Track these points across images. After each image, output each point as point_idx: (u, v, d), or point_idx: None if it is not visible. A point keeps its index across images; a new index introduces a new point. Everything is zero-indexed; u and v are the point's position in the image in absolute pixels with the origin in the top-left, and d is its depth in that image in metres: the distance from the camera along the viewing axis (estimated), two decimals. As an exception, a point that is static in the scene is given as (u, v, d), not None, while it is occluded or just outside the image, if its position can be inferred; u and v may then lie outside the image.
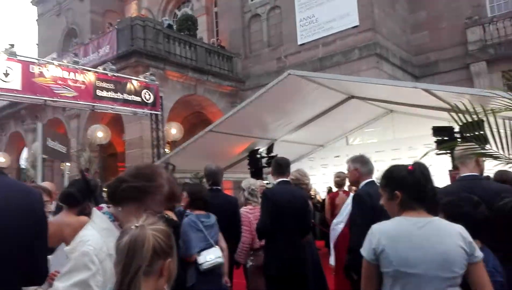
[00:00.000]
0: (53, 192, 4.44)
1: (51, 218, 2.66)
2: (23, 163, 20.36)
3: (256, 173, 10.67)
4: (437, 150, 8.42)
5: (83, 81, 10.02)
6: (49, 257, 2.41)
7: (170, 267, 1.20)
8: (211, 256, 3.47)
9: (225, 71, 16.18)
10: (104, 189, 11.04)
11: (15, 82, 8.72)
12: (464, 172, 2.90)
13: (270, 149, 10.66)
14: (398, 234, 1.87)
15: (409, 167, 1.98)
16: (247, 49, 17.15)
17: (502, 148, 2.45)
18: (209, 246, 3.53)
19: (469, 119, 2.62)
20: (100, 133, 12.87)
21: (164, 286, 1.20)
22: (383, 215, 3.19)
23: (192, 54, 15.04)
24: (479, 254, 1.82)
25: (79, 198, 3.06)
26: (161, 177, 1.64)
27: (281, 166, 4.03)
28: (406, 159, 10.65)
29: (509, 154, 2.44)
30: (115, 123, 14.72)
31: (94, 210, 1.66)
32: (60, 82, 9.53)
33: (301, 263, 3.77)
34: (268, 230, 3.78)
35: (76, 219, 2.99)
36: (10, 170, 18.75)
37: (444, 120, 9.54)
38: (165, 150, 12.81)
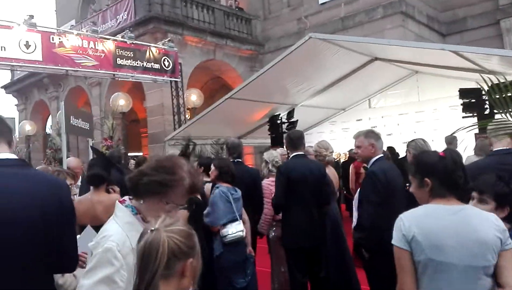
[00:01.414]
0: (79, 167, 4.58)
1: (76, 198, 2.72)
2: (49, 130, 20.90)
3: (276, 139, 10.64)
4: (463, 114, 8.19)
5: (102, 50, 10.01)
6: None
7: (193, 266, 1.19)
8: (233, 230, 3.57)
9: (244, 34, 15.83)
10: (129, 157, 11.22)
11: (36, 53, 8.79)
12: (497, 146, 2.80)
13: (290, 114, 10.56)
14: (430, 221, 1.80)
15: (440, 153, 1.90)
16: (266, 11, 16.64)
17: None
18: (234, 219, 3.62)
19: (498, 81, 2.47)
20: (121, 101, 12.98)
21: (188, 286, 1.20)
22: (397, 194, 3.18)
23: (210, 17, 14.73)
24: (511, 241, 1.77)
25: (105, 176, 3.12)
26: (182, 169, 1.62)
27: (293, 140, 4.00)
28: (431, 121, 10.40)
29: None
30: (136, 90, 14.80)
31: (117, 204, 1.67)
32: (80, 51, 9.55)
33: (317, 236, 3.81)
34: (283, 205, 3.80)
35: (108, 197, 3.07)
36: (37, 137, 19.28)
37: (471, 80, 9.17)
38: (186, 116, 12.86)
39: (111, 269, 1.46)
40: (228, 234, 3.56)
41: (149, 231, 1.14)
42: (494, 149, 2.83)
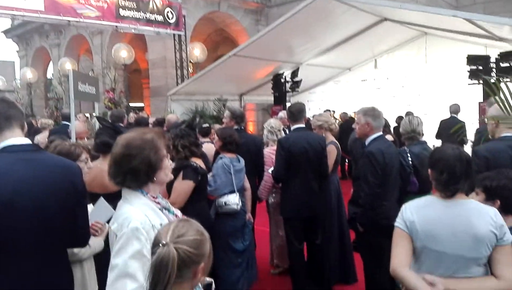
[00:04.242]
0: (85, 132, 4.64)
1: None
2: (50, 76, 20.68)
3: (279, 98, 10.61)
4: (469, 81, 8.11)
5: (105, 0, 9.72)
6: (89, 207, 2.60)
7: (205, 267, 1.26)
8: (228, 202, 3.67)
9: (251, -15, 15.27)
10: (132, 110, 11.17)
11: (38, 2, 8.55)
12: (503, 131, 2.82)
13: (295, 73, 10.45)
14: (429, 212, 1.93)
15: (450, 150, 1.96)
16: (273, -40, 15.93)
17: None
18: (232, 191, 3.72)
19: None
20: (124, 53, 12.77)
21: (200, 281, 1.30)
22: (393, 174, 3.25)
23: (216, -35, 14.15)
24: (508, 237, 1.85)
25: (113, 143, 3.16)
26: (145, 149, 1.68)
27: (293, 113, 4.00)
28: (437, 84, 10.30)
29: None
30: (138, 40, 14.51)
31: (126, 189, 1.72)
32: (82, 1, 9.29)
33: (314, 207, 3.92)
34: (283, 178, 3.90)
35: None
36: (39, 84, 19.12)
37: (481, 45, 9.03)
38: (189, 70, 12.72)
39: (139, 245, 1.56)
40: (224, 205, 3.68)
41: (160, 245, 1.19)
42: (503, 135, 2.83)
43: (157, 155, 1.70)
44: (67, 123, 5.72)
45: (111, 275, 1.56)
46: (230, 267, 3.82)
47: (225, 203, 3.67)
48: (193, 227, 1.27)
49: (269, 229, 4.74)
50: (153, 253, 1.22)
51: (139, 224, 1.59)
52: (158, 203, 1.75)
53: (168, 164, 1.80)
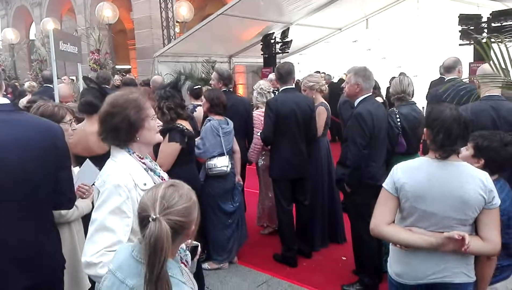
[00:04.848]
0: (70, 96, 4.51)
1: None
2: (33, 37, 19.96)
3: (270, 60, 10.43)
4: (460, 41, 8.03)
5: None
6: (75, 169, 2.57)
7: (195, 229, 1.29)
8: (218, 164, 3.68)
9: None
10: (117, 72, 10.94)
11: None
12: (487, 92, 2.82)
13: (285, 34, 10.21)
14: (419, 174, 1.93)
15: (448, 110, 1.93)
16: None
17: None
18: (221, 154, 3.70)
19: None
20: (108, 12, 12.30)
21: (187, 244, 1.33)
22: (381, 135, 3.25)
23: None
24: (496, 201, 1.88)
25: (98, 104, 3.07)
26: (127, 108, 1.67)
27: (282, 74, 3.91)
28: (428, 45, 10.19)
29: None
30: (122, -2, 13.99)
31: (114, 147, 1.73)
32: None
33: (302, 169, 3.93)
34: (271, 140, 3.88)
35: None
36: (21, 46, 18.47)
37: (473, 4, 8.89)
38: (176, 31, 12.36)
39: (119, 200, 1.60)
40: (213, 167, 3.68)
41: (150, 220, 1.17)
42: (487, 94, 2.84)
43: (139, 114, 1.69)
44: (49, 85, 5.55)
45: (90, 229, 1.60)
46: (220, 228, 3.89)
47: (214, 165, 3.67)
48: (181, 194, 1.25)
49: (259, 191, 4.78)
50: (143, 226, 1.20)
51: (121, 181, 1.62)
52: (145, 163, 1.75)
53: (155, 124, 1.79)
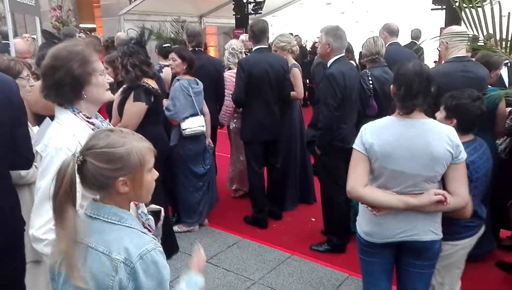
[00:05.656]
0: (28, 52, 4.20)
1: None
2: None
3: (241, 20, 10.13)
4: (432, 6, 8.04)
5: None
6: (34, 129, 2.42)
7: (130, 182, 1.17)
8: (193, 124, 3.58)
9: None
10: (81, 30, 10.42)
11: None
12: (455, 53, 2.82)
13: (257, -6, 9.90)
14: (388, 133, 1.91)
15: (411, 65, 1.91)
16: None
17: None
18: (195, 113, 3.60)
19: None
20: (68, -35, 11.52)
21: (140, 197, 1.24)
22: (353, 96, 3.23)
23: None
24: (462, 156, 1.90)
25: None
26: (70, 60, 1.52)
27: (255, 33, 3.77)
28: (400, 10, 10.17)
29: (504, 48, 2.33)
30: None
31: (57, 107, 1.58)
32: None
33: (274, 131, 3.89)
34: (243, 102, 3.79)
35: None
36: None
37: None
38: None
39: None
40: (188, 128, 3.57)
41: (69, 155, 1.12)
42: (456, 56, 2.84)
43: (84, 67, 1.54)
44: (7, 42, 5.19)
45: (36, 199, 1.48)
46: (191, 190, 3.85)
47: (190, 126, 3.57)
48: (112, 139, 1.16)
49: (230, 155, 4.74)
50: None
51: (63, 144, 1.48)
52: (93, 123, 1.61)
53: (104, 80, 1.63)
